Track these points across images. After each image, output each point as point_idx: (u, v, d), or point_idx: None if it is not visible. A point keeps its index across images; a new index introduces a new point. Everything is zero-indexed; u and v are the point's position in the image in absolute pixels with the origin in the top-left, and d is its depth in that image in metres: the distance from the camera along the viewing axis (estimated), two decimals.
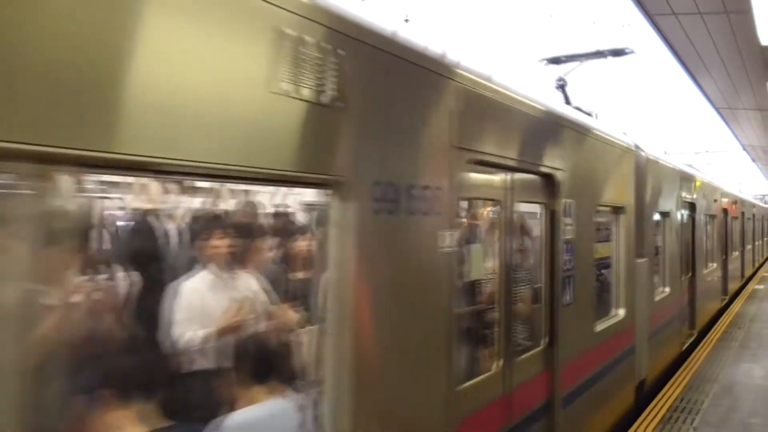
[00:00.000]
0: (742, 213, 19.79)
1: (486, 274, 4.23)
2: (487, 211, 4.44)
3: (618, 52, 7.60)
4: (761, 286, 20.58)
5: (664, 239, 8.90)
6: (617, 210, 6.63)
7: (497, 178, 4.15)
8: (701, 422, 7.00)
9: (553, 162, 4.77)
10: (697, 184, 11.63)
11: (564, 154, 5.00)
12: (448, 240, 3.24)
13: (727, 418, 7.15)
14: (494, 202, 4.21)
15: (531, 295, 4.77)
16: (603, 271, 6.53)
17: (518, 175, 4.32)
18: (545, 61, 7.45)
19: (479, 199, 4.27)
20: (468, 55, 3.81)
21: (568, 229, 5.01)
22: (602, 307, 6.22)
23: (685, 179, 10.46)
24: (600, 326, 5.86)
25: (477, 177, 3.82)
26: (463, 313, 3.78)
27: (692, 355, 10.27)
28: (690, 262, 10.88)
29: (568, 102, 6.60)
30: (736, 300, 16.70)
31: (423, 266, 3.10)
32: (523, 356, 4.38)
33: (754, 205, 25.17)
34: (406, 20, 4.46)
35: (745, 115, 16.24)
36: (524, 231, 4.74)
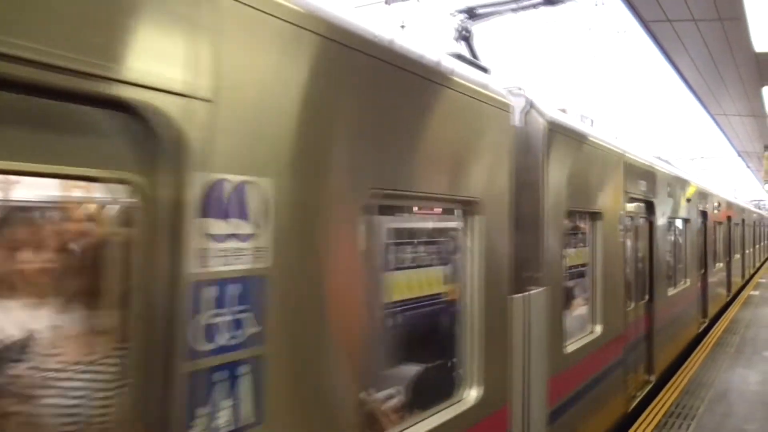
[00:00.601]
0: (729, 217, 17.44)
1: None
2: None
3: (552, 0, 5.85)
4: (756, 292, 20.60)
5: (594, 253, 6.05)
6: (466, 206, 3.69)
7: None
8: (697, 427, 7.00)
9: (149, 72, 1.76)
10: (658, 177, 8.61)
11: (208, 55, 1.95)
12: None
13: (722, 424, 7.15)
14: None
15: None
16: (419, 327, 3.74)
17: None
18: (461, 15, 5.58)
19: None
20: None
21: (224, 249, 1.98)
22: (416, 399, 3.39)
23: (635, 169, 7.36)
24: None
25: None
26: None
27: (689, 360, 10.27)
28: (647, 281, 8.12)
29: (474, 57, 5.03)
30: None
31: None
32: None
33: (743, 209, 23.13)
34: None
35: (740, 122, 16.32)
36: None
